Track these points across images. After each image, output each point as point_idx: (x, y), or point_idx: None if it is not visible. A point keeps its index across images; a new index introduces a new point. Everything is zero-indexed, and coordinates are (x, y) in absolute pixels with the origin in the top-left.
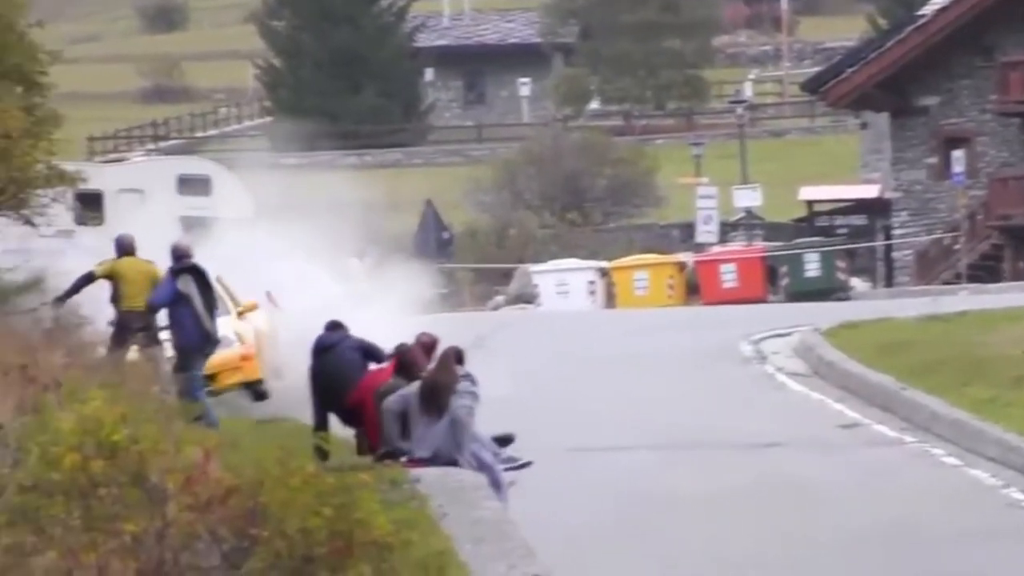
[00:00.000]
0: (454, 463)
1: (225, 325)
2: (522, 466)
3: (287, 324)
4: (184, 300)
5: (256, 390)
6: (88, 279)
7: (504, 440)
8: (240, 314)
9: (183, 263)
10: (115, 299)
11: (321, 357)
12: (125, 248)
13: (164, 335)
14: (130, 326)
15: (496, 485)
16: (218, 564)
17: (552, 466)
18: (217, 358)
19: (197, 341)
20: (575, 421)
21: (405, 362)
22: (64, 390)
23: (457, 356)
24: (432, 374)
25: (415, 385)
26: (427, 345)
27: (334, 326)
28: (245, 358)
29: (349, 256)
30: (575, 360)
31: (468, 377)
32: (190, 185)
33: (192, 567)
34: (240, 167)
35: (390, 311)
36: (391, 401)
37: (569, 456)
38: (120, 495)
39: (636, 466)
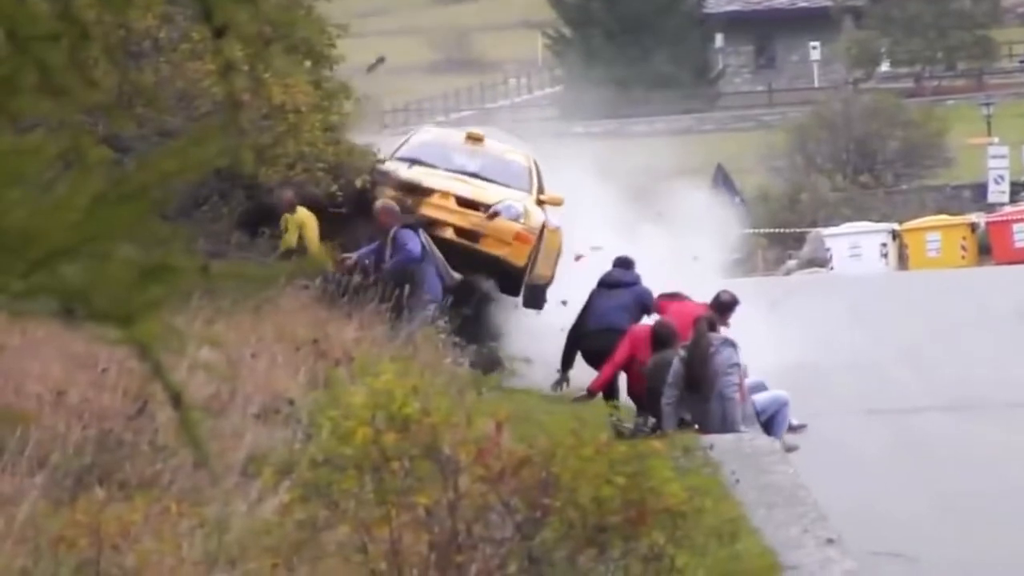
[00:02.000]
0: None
1: (522, 199)
2: (797, 428)
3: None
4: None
5: (511, 278)
6: None
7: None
8: (540, 202)
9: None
10: None
11: (602, 290)
12: None
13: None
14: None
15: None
16: (511, 535)
17: (847, 429)
18: (495, 223)
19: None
20: (870, 384)
21: (661, 337)
22: (355, 364)
23: (710, 324)
24: (690, 352)
25: (680, 365)
26: (727, 304)
27: (623, 263)
28: (519, 238)
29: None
30: (869, 323)
31: (727, 344)
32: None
33: (485, 539)
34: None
35: (696, 273)
36: (668, 395)
37: (865, 418)
38: (412, 468)
39: (930, 427)
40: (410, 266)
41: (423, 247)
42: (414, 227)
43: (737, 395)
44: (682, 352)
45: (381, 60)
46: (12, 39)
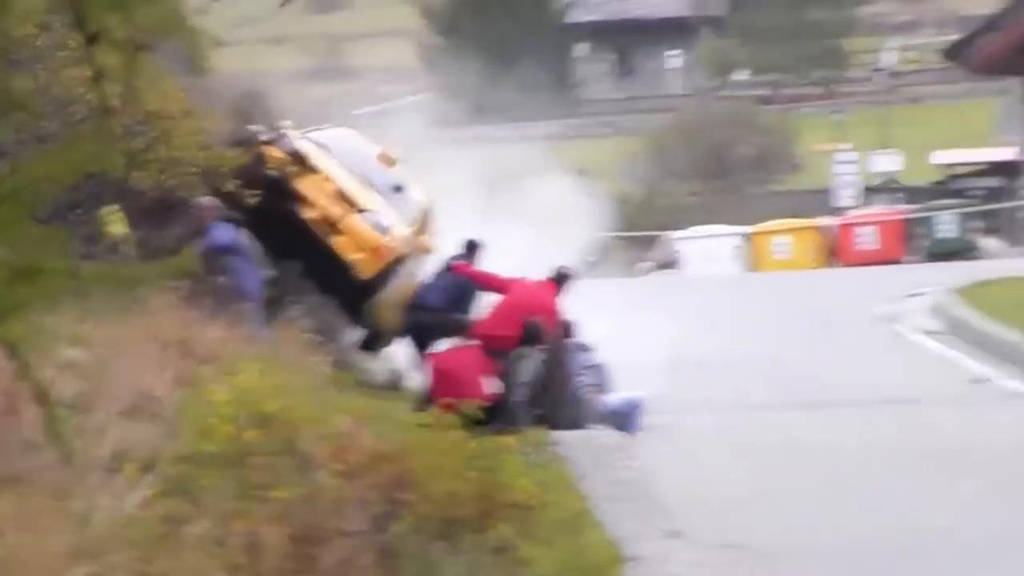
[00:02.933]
0: None
1: (398, 225)
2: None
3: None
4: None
5: (351, 292)
6: None
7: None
8: (414, 243)
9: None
10: None
11: (438, 271)
12: None
13: None
14: None
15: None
16: (366, 528)
17: (695, 425)
18: (358, 225)
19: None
20: (719, 382)
21: (529, 334)
22: (220, 363)
23: (566, 329)
24: (548, 355)
25: (537, 360)
26: (562, 278)
27: (467, 246)
28: (376, 251)
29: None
30: (718, 322)
31: (582, 347)
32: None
33: (341, 532)
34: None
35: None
36: (519, 392)
37: (711, 415)
38: (271, 464)
39: (777, 423)
40: (217, 254)
41: (236, 241)
42: (232, 221)
43: (590, 395)
44: (540, 355)
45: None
46: None
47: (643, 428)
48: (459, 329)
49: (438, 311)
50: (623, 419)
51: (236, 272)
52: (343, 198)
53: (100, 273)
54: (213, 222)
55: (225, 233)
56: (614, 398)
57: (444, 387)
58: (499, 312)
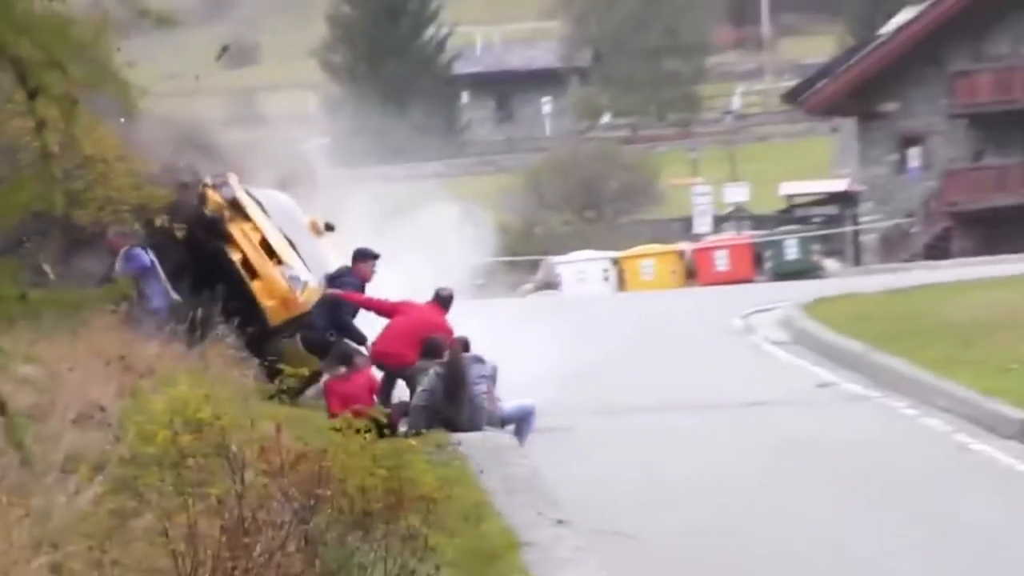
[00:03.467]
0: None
1: (313, 285)
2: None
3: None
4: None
5: (258, 334)
6: None
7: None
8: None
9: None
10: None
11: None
12: None
13: None
14: None
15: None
16: (290, 519)
17: (582, 427)
18: (275, 275)
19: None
20: (598, 389)
21: (429, 349)
22: (156, 376)
23: (464, 344)
24: (447, 368)
25: (436, 378)
26: (446, 299)
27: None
28: (287, 302)
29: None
30: (597, 336)
31: (477, 360)
32: None
33: (268, 523)
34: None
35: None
36: (420, 398)
37: (595, 418)
38: (206, 464)
39: (656, 425)
40: (137, 275)
41: (151, 262)
42: (142, 247)
43: (486, 403)
44: (439, 369)
45: (225, 49)
46: None
47: (535, 431)
48: (331, 346)
49: (320, 330)
50: (518, 423)
51: (145, 295)
52: (267, 249)
53: (48, 298)
54: (127, 249)
55: (141, 257)
56: (508, 405)
57: (342, 409)
58: (394, 332)
